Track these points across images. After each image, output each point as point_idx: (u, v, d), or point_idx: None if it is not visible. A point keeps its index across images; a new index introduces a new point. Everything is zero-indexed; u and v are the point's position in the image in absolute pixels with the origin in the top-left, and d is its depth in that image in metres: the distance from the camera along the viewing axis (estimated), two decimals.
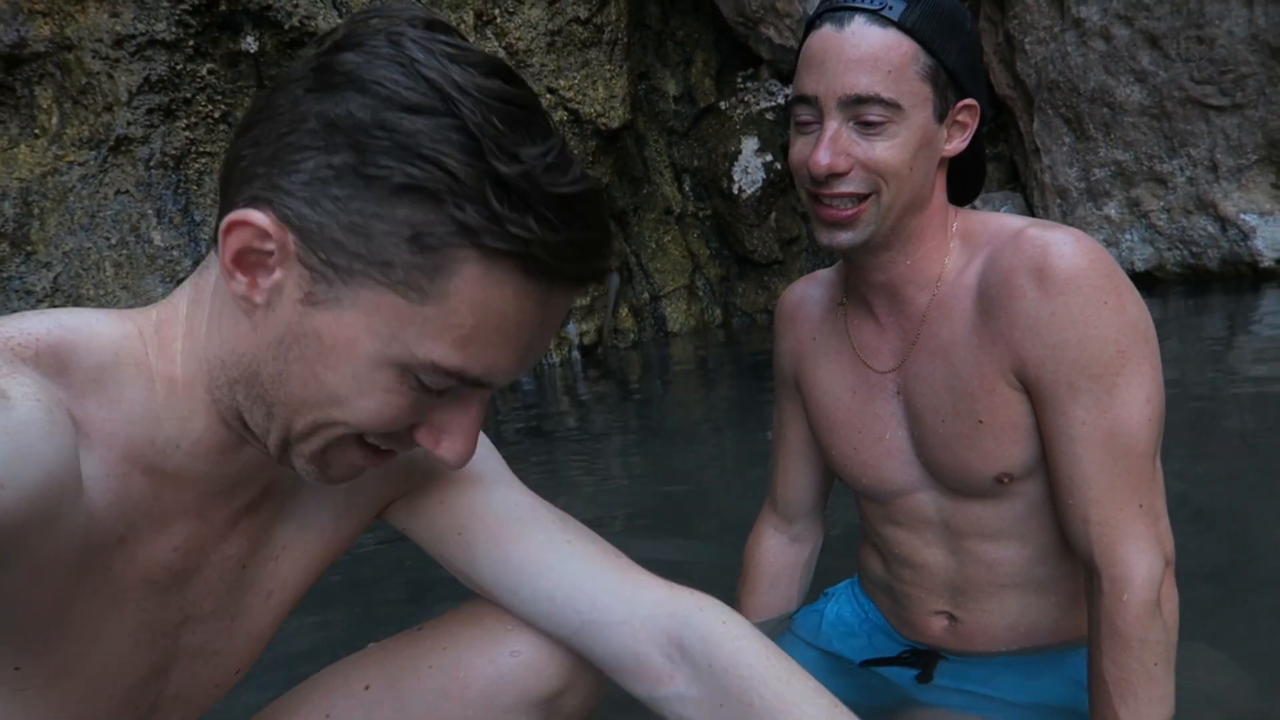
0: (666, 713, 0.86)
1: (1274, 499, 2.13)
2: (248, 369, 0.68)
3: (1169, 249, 4.78)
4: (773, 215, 5.84)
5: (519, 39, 4.90)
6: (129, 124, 4.09)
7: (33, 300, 3.85)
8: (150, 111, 4.13)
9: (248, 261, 0.65)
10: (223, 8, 4.21)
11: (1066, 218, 4.95)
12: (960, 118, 1.12)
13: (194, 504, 0.75)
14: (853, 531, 1.44)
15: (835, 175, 1.06)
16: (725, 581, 2.10)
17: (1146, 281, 4.87)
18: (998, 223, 1.14)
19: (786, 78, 5.99)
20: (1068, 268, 1.02)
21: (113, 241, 4.03)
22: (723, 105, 6.04)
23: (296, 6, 4.33)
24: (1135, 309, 1.05)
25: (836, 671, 1.33)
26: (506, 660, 0.92)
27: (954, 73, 1.08)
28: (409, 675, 0.94)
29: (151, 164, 4.14)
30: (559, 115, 4.92)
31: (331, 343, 0.65)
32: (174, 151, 4.18)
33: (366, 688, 0.94)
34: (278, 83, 0.66)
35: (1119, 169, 4.83)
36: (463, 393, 0.69)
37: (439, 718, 0.92)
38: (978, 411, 1.10)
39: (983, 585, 1.20)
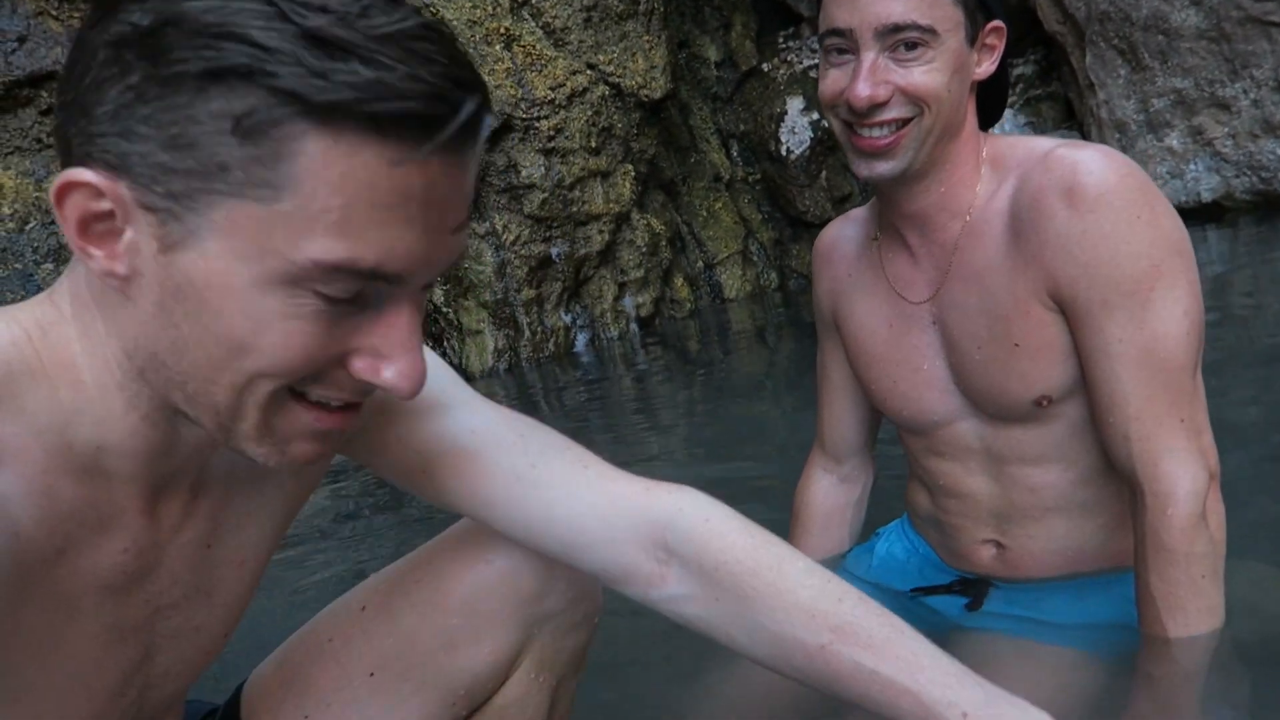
0: (665, 612, 0.87)
1: None
2: (148, 353, 0.62)
3: (1236, 176, 4.60)
4: (823, 174, 5.78)
5: (555, 17, 4.92)
6: None
7: None
8: None
9: (94, 233, 0.59)
10: None
11: (1127, 152, 4.79)
12: (989, 40, 1.13)
13: (133, 502, 0.70)
14: (902, 476, 1.45)
15: (876, 105, 1.07)
16: (780, 524, 2.12)
17: (1214, 212, 4.70)
18: (1026, 145, 1.14)
19: None
20: (1097, 184, 1.02)
21: None
22: (765, 67, 5.99)
23: None
24: (1169, 222, 1.04)
25: (887, 603, 1.34)
26: (483, 569, 0.93)
27: None
28: (399, 593, 0.96)
29: None
30: (600, 90, 4.94)
31: (206, 285, 0.58)
32: None
33: (363, 608, 0.96)
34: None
35: (1179, 97, 4.66)
36: (382, 304, 0.61)
37: (429, 627, 0.94)
38: (1013, 335, 1.11)
39: (1028, 511, 1.21)
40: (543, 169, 4.76)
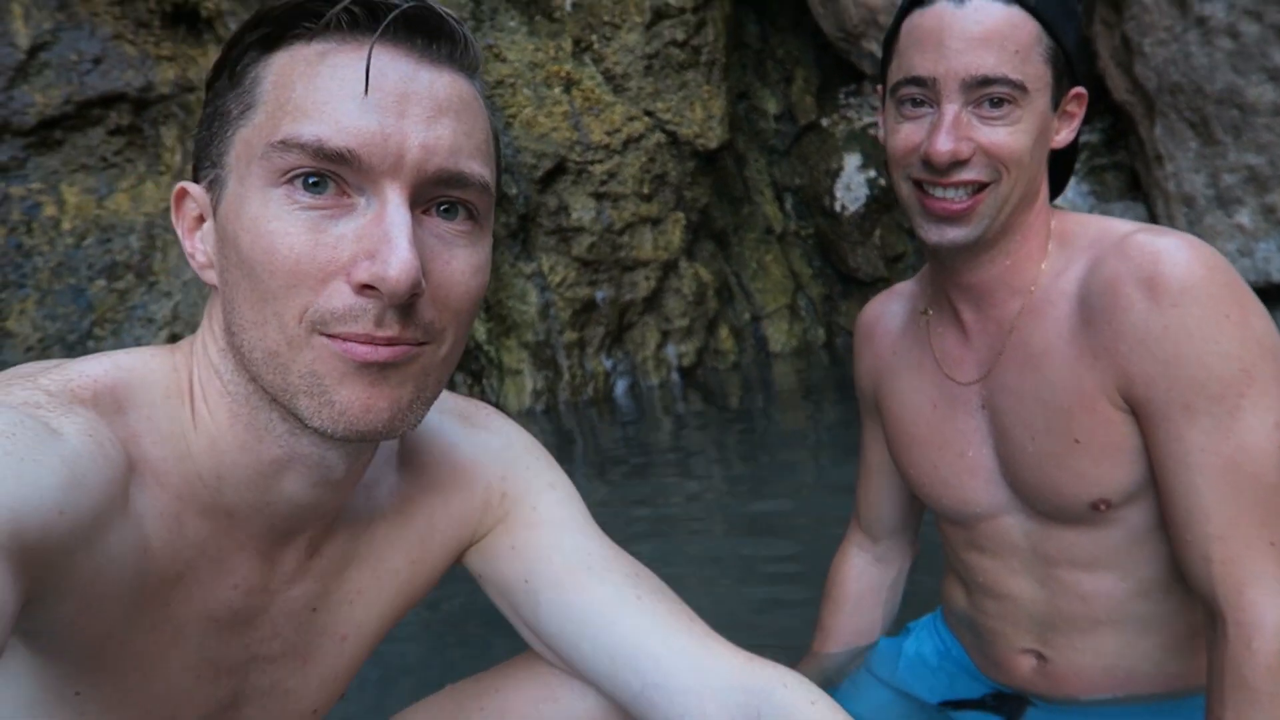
0: None
1: None
2: (229, 332, 0.68)
3: None
4: (877, 232, 5.69)
5: (616, 63, 4.93)
6: None
7: (154, 328, 4.06)
8: None
9: (195, 235, 0.72)
10: None
11: (1193, 227, 4.65)
12: (1070, 107, 1.06)
13: (252, 543, 0.75)
14: (940, 565, 1.36)
15: (957, 163, 0.98)
16: (810, 600, 2.03)
17: None
18: (1100, 225, 1.05)
19: None
20: (1182, 276, 0.93)
21: None
22: (824, 122, 5.95)
23: None
24: (1260, 322, 0.94)
25: (912, 715, 1.25)
26: (548, 706, 0.91)
27: (1071, 57, 1.01)
28: (463, 717, 0.95)
29: None
30: (656, 137, 4.93)
31: (229, 220, 0.67)
32: None
33: None
34: None
35: (1251, 174, 4.51)
36: (369, 211, 0.65)
37: None
38: (1074, 430, 1.01)
39: (1076, 620, 1.11)
40: (593, 212, 4.75)
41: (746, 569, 2.41)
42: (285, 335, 0.65)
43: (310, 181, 0.64)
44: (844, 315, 5.84)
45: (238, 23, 4.26)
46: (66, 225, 4.10)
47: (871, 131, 5.76)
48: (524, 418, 4.49)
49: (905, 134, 1.03)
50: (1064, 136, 1.06)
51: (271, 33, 0.66)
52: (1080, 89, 1.05)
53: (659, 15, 4.97)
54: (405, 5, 0.65)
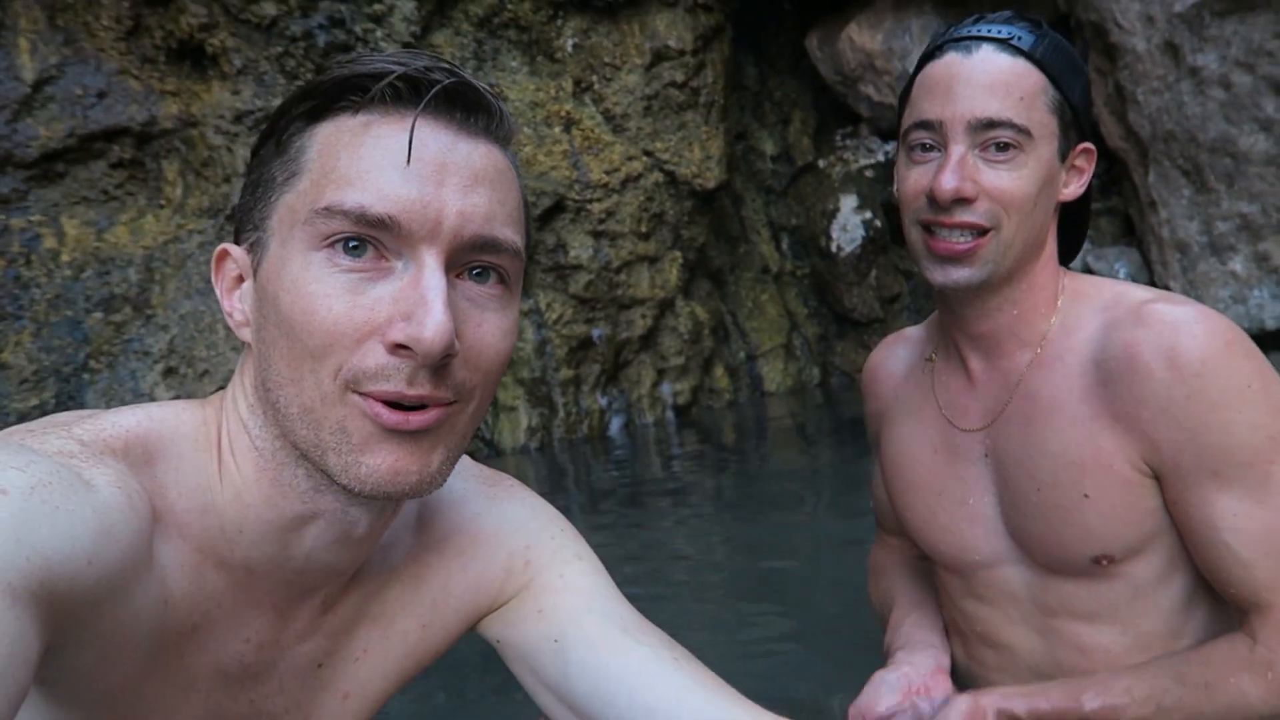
0: None
1: None
2: (263, 388, 0.71)
3: None
4: (873, 273, 5.73)
5: (616, 104, 4.99)
6: None
7: (150, 361, 4.06)
8: None
9: (234, 296, 0.74)
10: None
11: (1187, 273, 4.69)
12: (1078, 162, 1.08)
13: (268, 599, 0.75)
14: None
15: (960, 202, 1.01)
16: (807, 643, 2.02)
17: (1277, 340, 4.55)
18: (1114, 290, 1.07)
19: (886, 134, 5.92)
20: (1202, 348, 0.95)
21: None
22: (821, 163, 6.00)
23: None
24: (1276, 398, 0.96)
25: None
26: None
27: (1078, 111, 1.05)
28: None
29: None
30: (654, 177, 4.97)
31: (270, 280, 0.69)
32: None
33: None
34: None
35: (1244, 222, 4.56)
36: (405, 274, 0.67)
37: None
38: (1084, 485, 1.02)
39: (1074, 672, 1.10)
40: (591, 250, 4.77)
41: (740, 609, 2.39)
42: (320, 392, 0.67)
43: (350, 245, 0.67)
44: (839, 355, 5.85)
45: (242, 59, 4.31)
46: (65, 257, 4.11)
47: (869, 174, 5.81)
48: (518, 455, 4.48)
49: (914, 178, 1.06)
50: (1073, 190, 1.08)
51: (318, 104, 0.70)
52: (1089, 145, 1.07)
53: (659, 57, 5.04)
54: (447, 81, 0.68)
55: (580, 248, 4.75)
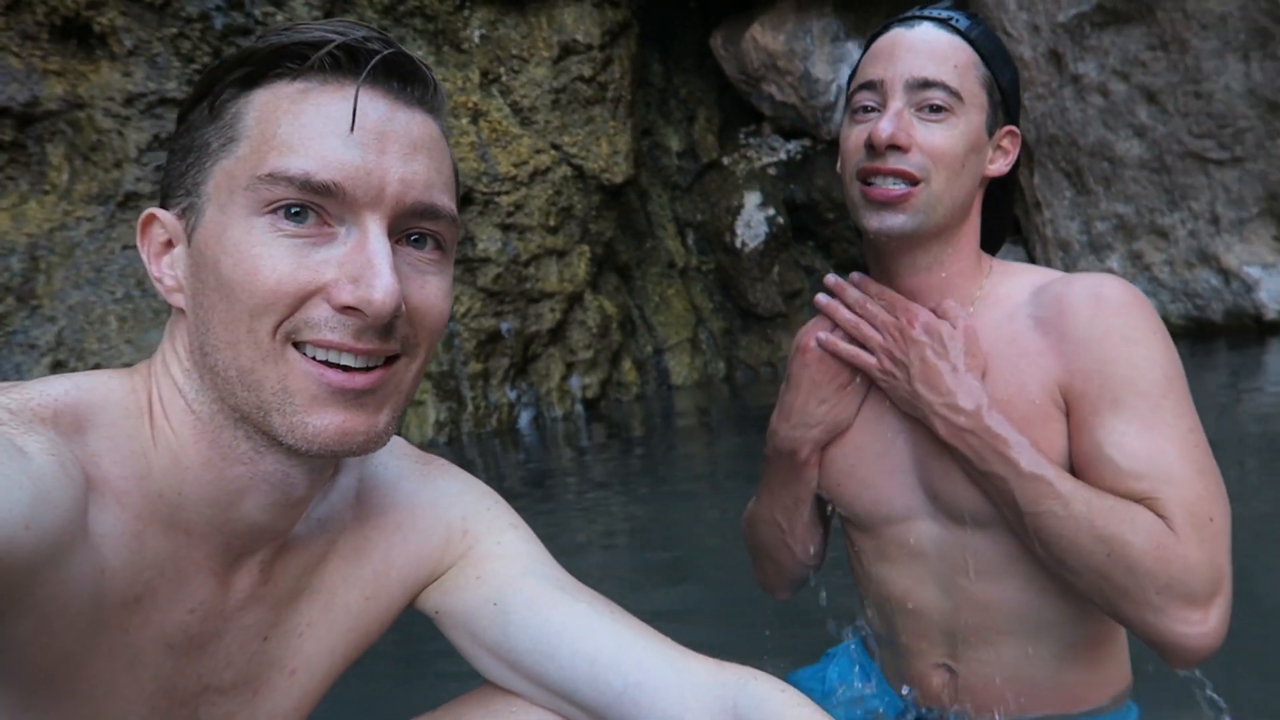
0: None
1: (1273, 572, 2.10)
2: (199, 351, 0.71)
3: (1172, 301, 4.77)
4: (775, 269, 5.86)
5: (524, 96, 4.97)
6: (138, 180, 4.15)
7: (36, 355, 3.87)
8: (159, 168, 4.19)
9: (161, 261, 0.73)
10: None
11: (1069, 270, 4.95)
12: (1004, 142, 1.17)
13: (209, 563, 0.75)
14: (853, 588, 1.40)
15: (894, 150, 1.09)
16: (724, 634, 2.07)
17: None
18: (1039, 270, 1.18)
19: (788, 133, 6.06)
20: (1122, 295, 1.07)
21: (118, 296, 4.06)
22: (725, 161, 6.11)
23: None
24: (1173, 349, 1.08)
25: None
26: None
27: (1005, 94, 1.15)
28: None
29: None
30: (563, 170, 4.98)
31: (208, 244, 0.69)
32: None
33: None
34: None
35: (1120, 222, 4.84)
36: (350, 239, 0.69)
37: None
38: (1010, 421, 1.09)
39: (979, 630, 1.17)
40: (499, 243, 4.75)
41: (650, 594, 2.43)
42: (260, 351, 0.68)
43: (293, 211, 0.67)
44: (743, 349, 5.97)
45: (133, 39, 4.13)
46: None
47: (771, 171, 5.94)
48: (427, 449, 4.41)
49: (855, 134, 1.14)
50: (998, 167, 1.17)
51: (254, 71, 0.70)
52: (1013, 127, 1.17)
53: (567, 51, 5.05)
54: (385, 51, 0.70)
55: (488, 240, 4.73)
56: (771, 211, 5.82)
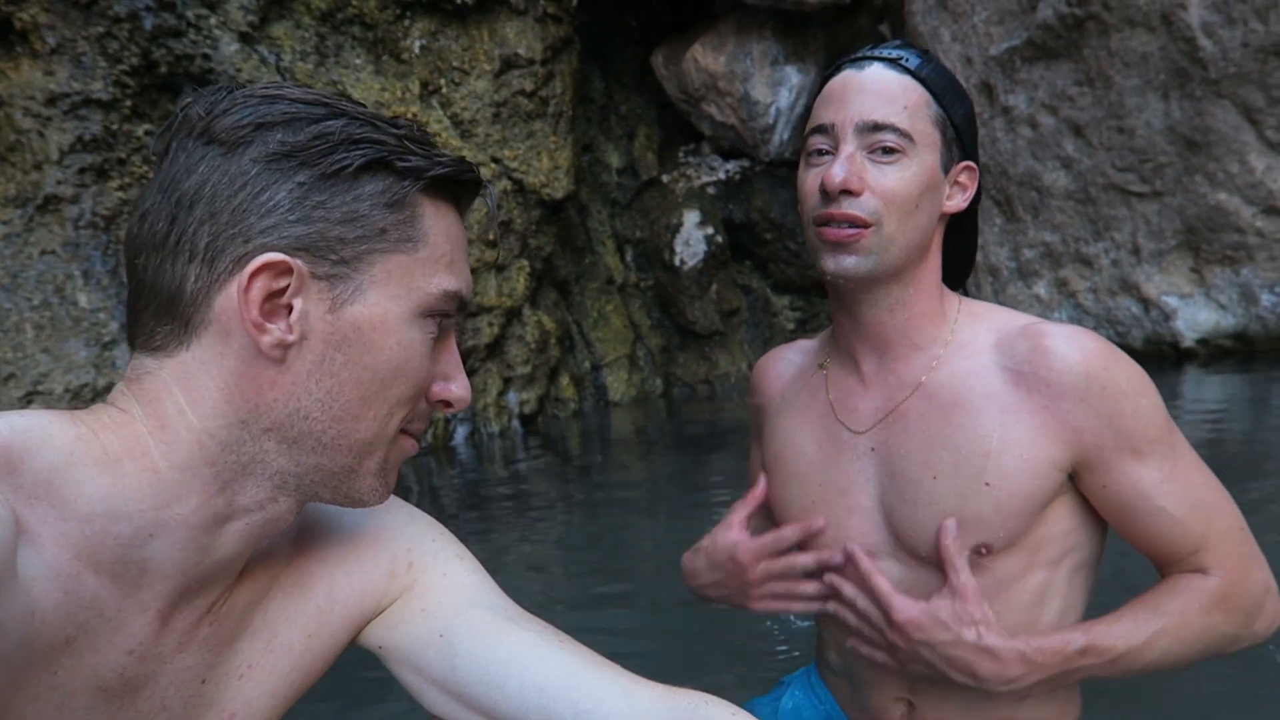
0: None
1: None
2: (284, 412, 0.73)
3: (1096, 328, 4.92)
4: (714, 287, 5.90)
5: (464, 109, 4.92)
6: (58, 183, 3.98)
7: None
8: (82, 171, 4.02)
9: (269, 309, 0.71)
10: (163, 70, 4.16)
11: (998, 295, 5.09)
12: (961, 179, 1.17)
13: (156, 603, 0.73)
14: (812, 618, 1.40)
15: (846, 193, 1.09)
16: (661, 653, 2.06)
17: None
18: (1006, 312, 1.19)
19: (727, 153, 6.11)
20: (1103, 350, 1.09)
21: (35, 303, 3.88)
22: (665, 178, 6.14)
23: (239, 71, 4.30)
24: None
25: None
26: None
27: (960, 130, 1.15)
28: None
29: (81, 224, 4.02)
30: (503, 185, 4.94)
31: (370, 327, 0.74)
32: (105, 212, 4.07)
33: None
34: (165, 184, 0.72)
35: (1047, 250, 4.99)
36: (445, 332, 0.81)
37: None
38: (987, 474, 1.08)
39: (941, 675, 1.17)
40: None
41: (586, 612, 2.41)
42: (386, 431, 0.78)
43: (439, 320, 0.80)
44: (681, 367, 5.99)
45: (57, 37, 3.97)
46: None
47: (710, 190, 5.98)
48: None
49: (810, 178, 1.14)
50: (956, 203, 1.17)
51: (431, 182, 0.77)
52: (969, 163, 1.17)
53: (508, 64, 5.01)
54: (487, 185, 0.84)
55: None
56: (710, 230, 5.86)
